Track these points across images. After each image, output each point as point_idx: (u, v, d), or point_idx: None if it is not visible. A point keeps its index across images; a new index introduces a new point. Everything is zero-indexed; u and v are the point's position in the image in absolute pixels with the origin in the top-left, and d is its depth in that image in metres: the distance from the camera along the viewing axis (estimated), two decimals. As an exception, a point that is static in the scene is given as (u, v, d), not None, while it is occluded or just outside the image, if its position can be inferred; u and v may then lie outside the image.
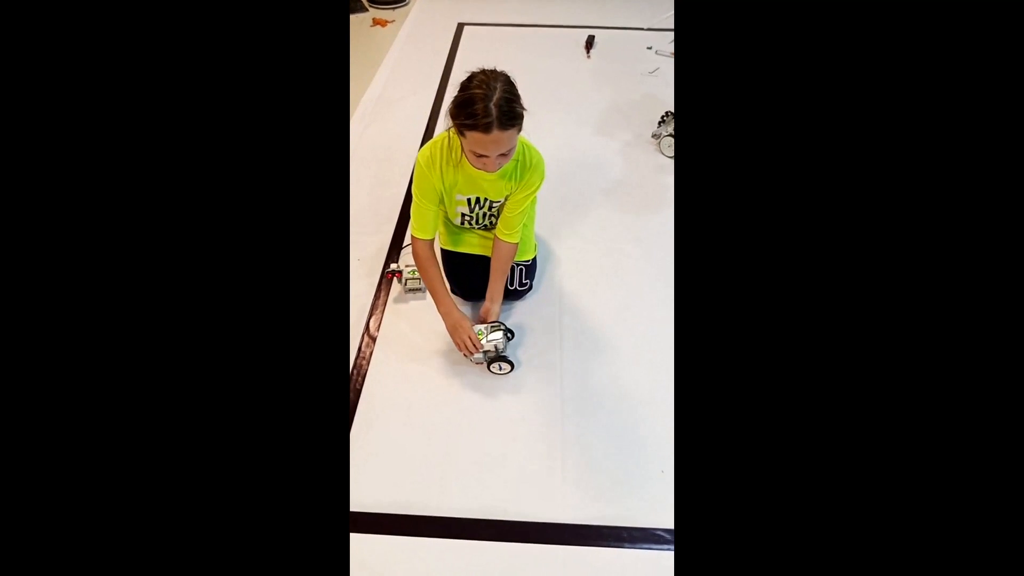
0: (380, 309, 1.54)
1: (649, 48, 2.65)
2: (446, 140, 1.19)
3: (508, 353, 1.37)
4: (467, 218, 1.41)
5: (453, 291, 1.53)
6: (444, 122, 1.16)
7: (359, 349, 1.44)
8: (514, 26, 2.84)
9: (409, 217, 1.36)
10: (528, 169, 1.24)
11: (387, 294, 1.58)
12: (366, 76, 2.46)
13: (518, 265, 1.48)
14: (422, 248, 1.32)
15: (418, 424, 1.30)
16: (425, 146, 1.25)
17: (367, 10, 2.96)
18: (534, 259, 1.53)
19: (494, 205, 1.35)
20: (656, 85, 2.42)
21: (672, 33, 2.72)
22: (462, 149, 1.17)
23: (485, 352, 1.33)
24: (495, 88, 0.99)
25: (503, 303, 1.46)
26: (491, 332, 1.33)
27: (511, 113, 1.01)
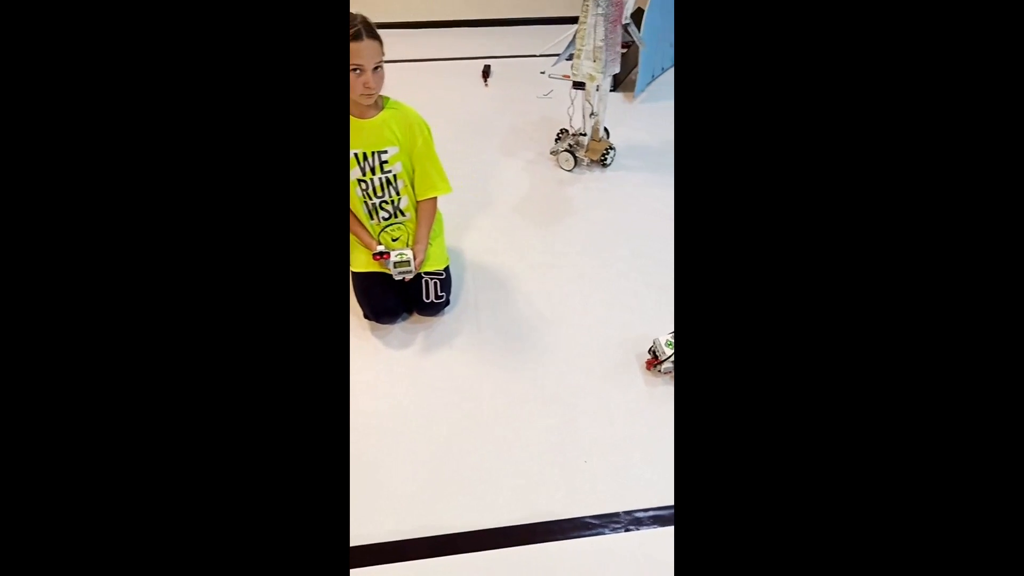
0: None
1: (542, 73, 2.81)
2: None
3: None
4: (363, 186, 1.43)
5: (365, 315, 1.53)
6: None
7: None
8: (411, 62, 2.93)
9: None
10: (406, 116, 1.42)
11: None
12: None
13: (431, 277, 1.51)
14: None
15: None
16: None
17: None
18: (447, 271, 1.56)
19: (384, 166, 1.41)
20: (551, 106, 2.56)
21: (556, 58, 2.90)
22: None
23: (395, 264, 1.42)
24: (357, 16, 1.26)
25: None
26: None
27: (372, 28, 1.27)
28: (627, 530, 1.16)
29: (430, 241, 1.51)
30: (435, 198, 1.49)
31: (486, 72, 2.80)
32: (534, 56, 2.97)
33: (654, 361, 1.42)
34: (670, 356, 1.39)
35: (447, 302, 1.56)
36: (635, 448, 1.30)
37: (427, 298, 1.50)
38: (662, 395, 1.41)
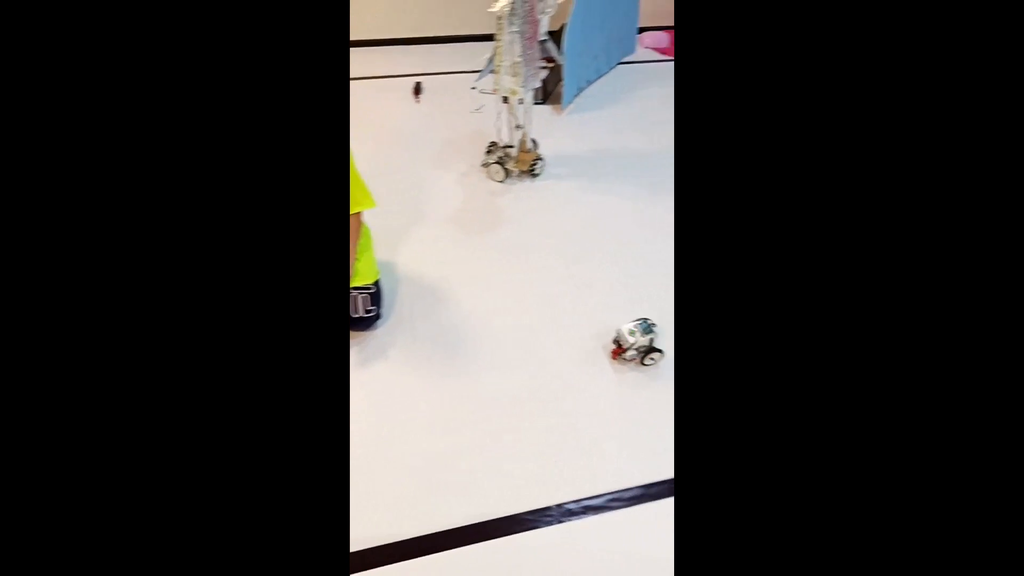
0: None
1: (472, 88, 2.87)
2: None
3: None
4: None
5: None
6: None
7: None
8: (343, 81, 2.94)
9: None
10: None
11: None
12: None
13: (359, 292, 1.52)
14: None
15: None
16: None
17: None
18: (377, 284, 1.58)
19: None
20: (482, 120, 2.62)
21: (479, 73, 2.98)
22: None
23: None
24: None
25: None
26: None
27: None
28: (559, 522, 1.20)
29: (358, 256, 1.53)
30: (359, 213, 1.51)
31: (417, 89, 2.84)
32: (465, 72, 3.03)
33: (619, 351, 1.49)
34: (633, 344, 1.46)
35: (378, 316, 1.57)
36: (600, 437, 1.35)
37: (356, 313, 1.51)
38: (631, 381, 1.49)
